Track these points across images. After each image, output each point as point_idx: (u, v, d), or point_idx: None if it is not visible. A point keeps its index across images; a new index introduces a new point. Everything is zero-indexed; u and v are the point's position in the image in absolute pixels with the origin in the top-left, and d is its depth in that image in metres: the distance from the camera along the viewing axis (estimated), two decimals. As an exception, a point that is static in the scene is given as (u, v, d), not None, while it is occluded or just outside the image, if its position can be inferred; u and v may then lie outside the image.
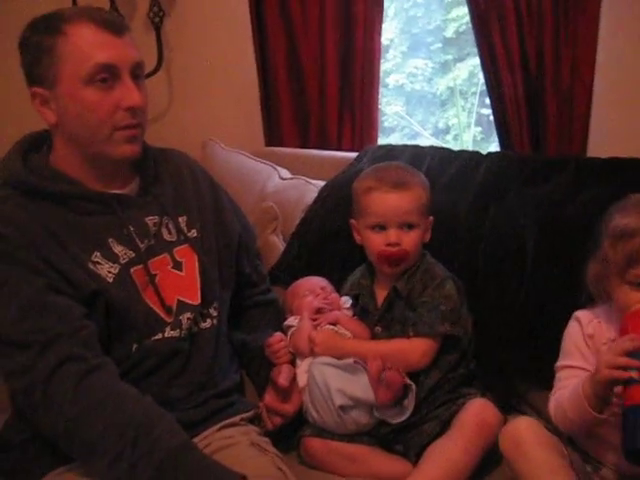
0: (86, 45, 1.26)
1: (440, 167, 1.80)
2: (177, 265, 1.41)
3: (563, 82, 1.98)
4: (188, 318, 1.38)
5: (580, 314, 1.35)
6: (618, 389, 1.16)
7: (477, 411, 1.41)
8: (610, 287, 1.28)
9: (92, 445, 1.15)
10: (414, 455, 1.42)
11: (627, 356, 1.14)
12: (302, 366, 1.53)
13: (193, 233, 1.45)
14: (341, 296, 1.64)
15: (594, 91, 1.98)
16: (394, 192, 1.54)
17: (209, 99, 2.42)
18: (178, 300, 1.38)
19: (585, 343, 1.31)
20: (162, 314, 1.35)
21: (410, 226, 1.54)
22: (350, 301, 1.62)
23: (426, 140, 2.70)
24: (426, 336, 1.49)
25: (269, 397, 1.50)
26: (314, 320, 1.55)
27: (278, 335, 1.54)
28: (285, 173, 2.04)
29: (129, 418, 1.15)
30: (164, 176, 1.46)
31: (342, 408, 1.43)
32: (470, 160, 1.81)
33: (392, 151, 1.92)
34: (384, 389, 1.39)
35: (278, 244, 1.85)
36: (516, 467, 1.26)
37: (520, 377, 1.59)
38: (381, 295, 1.59)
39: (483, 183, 1.73)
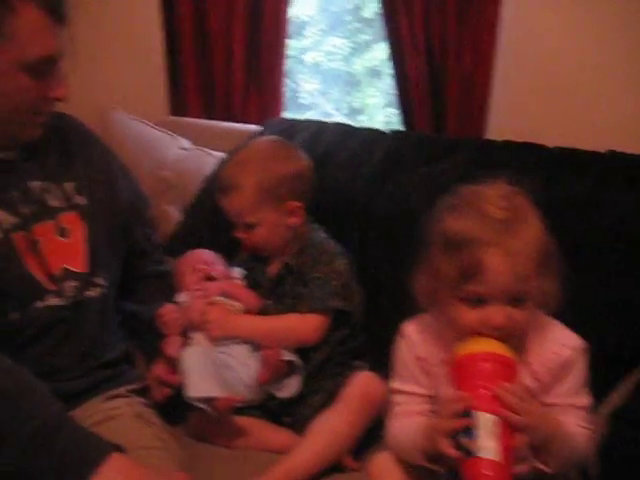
0: (34, 32, 1.21)
1: (340, 143, 1.81)
2: (62, 232, 1.36)
3: (465, 66, 2.02)
4: (73, 286, 1.34)
5: (408, 330, 1.17)
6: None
7: (362, 384, 1.43)
8: (443, 300, 1.08)
9: None
10: (301, 427, 1.43)
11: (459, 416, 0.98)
12: (195, 338, 1.52)
13: (80, 200, 1.40)
14: (234, 267, 1.63)
15: (494, 75, 2.02)
16: (223, 198, 1.56)
17: (112, 65, 2.34)
18: (63, 268, 1.34)
19: (416, 365, 1.14)
20: (44, 281, 1.31)
21: (249, 226, 1.54)
22: (242, 272, 1.61)
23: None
24: (318, 311, 1.50)
25: (158, 368, 1.48)
26: (200, 291, 1.54)
27: (169, 306, 1.52)
28: (186, 143, 2.01)
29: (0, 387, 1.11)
30: (51, 140, 1.40)
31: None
32: (370, 138, 1.83)
33: (294, 125, 1.92)
34: (262, 368, 1.42)
35: (174, 215, 1.82)
36: None
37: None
38: (273, 269, 1.59)
39: (381, 161, 1.74)
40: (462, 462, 0.97)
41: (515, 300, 1.03)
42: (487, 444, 0.94)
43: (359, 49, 2.77)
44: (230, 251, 1.67)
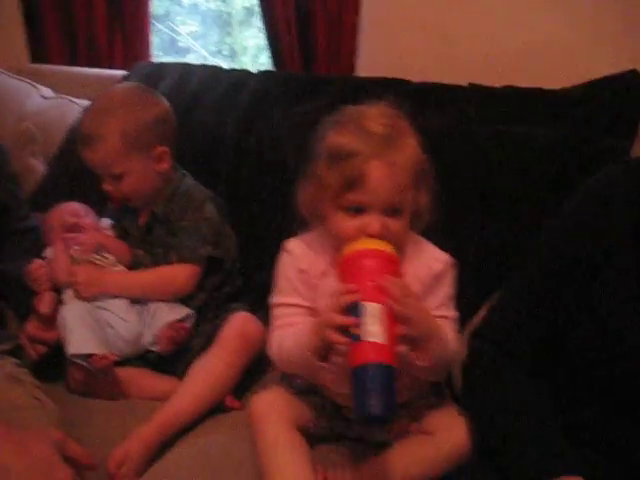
0: None
1: (208, 86, 1.79)
2: None
3: (331, 7, 2.01)
4: None
5: (291, 245, 1.21)
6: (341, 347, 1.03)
7: (239, 324, 1.45)
8: (324, 212, 1.14)
9: None
10: (182, 372, 1.43)
11: (349, 311, 1.01)
12: (68, 294, 1.49)
13: None
14: (102, 219, 1.60)
15: (361, 12, 2.03)
16: (86, 150, 1.49)
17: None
18: None
19: (298, 278, 1.17)
20: None
21: (116, 177, 1.49)
22: (109, 222, 1.58)
23: (222, 62, 2.64)
24: (189, 261, 1.49)
25: (31, 326, 1.45)
26: (71, 244, 1.51)
27: (38, 262, 1.48)
28: (47, 92, 1.92)
29: None
30: None
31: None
32: (238, 79, 1.81)
33: (161, 69, 1.87)
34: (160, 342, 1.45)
35: (38, 167, 1.76)
36: (256, 446, 1.16)
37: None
38: (143, 218, 1.57)
39: (250, 102, 1.74)
40: (350, 347, 1.00)
41: (392, 210, 1.09)
42: (374, 329, 0.98)
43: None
44: (98, 203, 1.63)
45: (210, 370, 1.38)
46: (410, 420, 1.20)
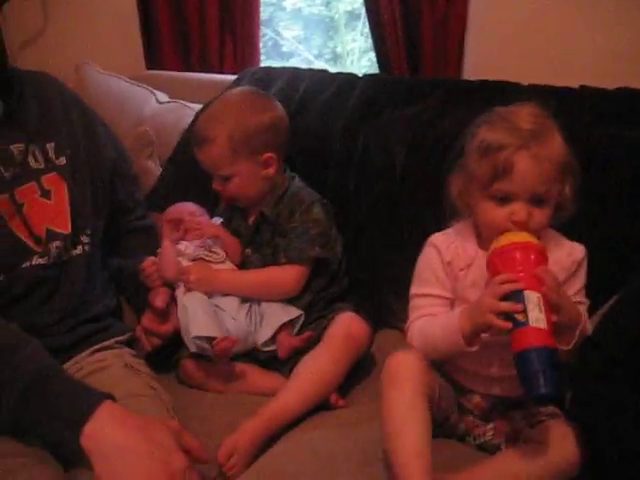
0: None
1: (316, 90, 1.81)
2: (45, 193, 1.37)
3: (439, 8, 2.01)
4: (58, 246, 1.36)
5: (436, 240, 1.29)
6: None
7: (345, 324, 1.46)
8: (474, 202, 1.24)
9: None
10: (288, 370, 1.47)
11: (506, 299, 1.10)
12: (181, 287, 1.55)
13: (62, 160, 1.41)
14: (214, 218, 1.65)
15: (469, 15, 2.01)
16: (198, 151, 1.57)
17: (85, 19, 2.33)
18: (47, 229, 1.36)
19: (443, 270, 1.26)
20: (31, 243, 1.33)
21: (225, 178, 1.55)
22: (220, 220, 1.63)
23: (325, 65, 2.66)
24: (297, 262, 1.52)
25: (147, 319, 1.52)
26: (183, 241, 1.57)
27: (150, 259, 1.55)
28: (162, 97, 2.00)
29: None
30: (30, 101, 1.40)
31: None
32: (345, 83, 1.83)
33: (270, 73, 1.92)
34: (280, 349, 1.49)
35: (154, 169, 1.84)
36: (384, 403, 1.18)
37: (394, 293, 1.63)
38: (252, 218, 1.61)
39: (356, 105, 1.75)
40: (515, 332, 1.08)
41: (537, 200, 1.18)
42: (537, 315, 1.07)
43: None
44: (209, 203, 1.70)
45: (316, 368, 1.41)
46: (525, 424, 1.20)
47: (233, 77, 2.03)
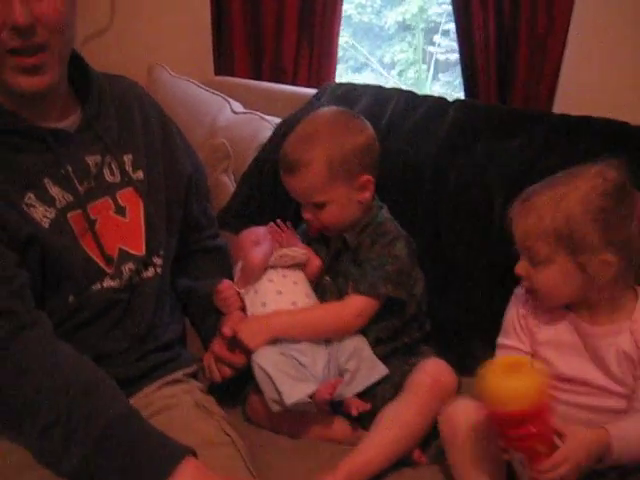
0: None
1: (404, 112, 1.71)
2: (120, 210, 1.27)
3: (538, 27, 1.89)
4: (130, 268, 1.26)
5: (519, 291, 1.30)
6: None
7: (430, 372, 1.36)
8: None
9: (21, 412, 1.03)
10: (368, 420, 1.35)
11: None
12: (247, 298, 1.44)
13: (139, 175, 1.31)
14: None
15: (568, 41, 1.89)
16: (289, 177, 1.44)
17: (156, 20, 2.25)
18: (120, 249, 1.26)
19: (519, 322, 1.28)
20: (102, 264, 1.23)
21: (319, 205, 1.44)
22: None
23: (371, 73, 2.66)
24: (365, 295, 1.41)
25: (218, 346, 1.41)
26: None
27: (227, 282, 1.45)
28: (237, 106, 1.91)
29: (65, 382, 1.03)
30: (109, 109, 1.30)
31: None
32: (435, 106, 1.73)
33: (353, 91, 1.81)
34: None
35: (229, 185, 1.74)
36: (449, 456, 1.22)
37: (479, 339, 1.53)
38: (333, 244, 1.51)
39: (449, 132, 1.65)
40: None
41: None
42: None
43: (391, 2, 2.67)
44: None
45: (400, 418, 1.30)
46: None
47: (308, 90, 1.95)
